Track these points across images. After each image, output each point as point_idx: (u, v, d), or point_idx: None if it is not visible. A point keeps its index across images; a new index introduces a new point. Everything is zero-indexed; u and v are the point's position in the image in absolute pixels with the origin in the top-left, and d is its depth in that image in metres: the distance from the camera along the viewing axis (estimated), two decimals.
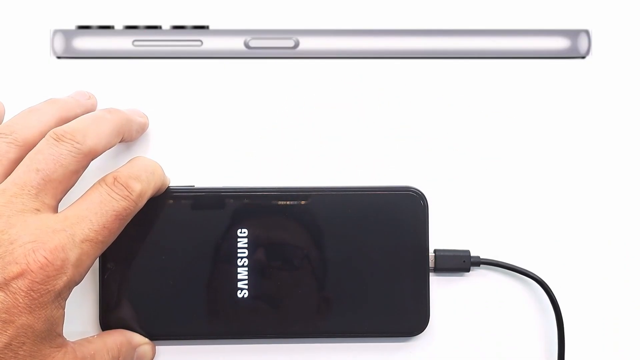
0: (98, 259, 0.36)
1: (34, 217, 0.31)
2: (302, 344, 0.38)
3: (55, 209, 0.32)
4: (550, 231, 0.39)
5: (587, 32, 0.40)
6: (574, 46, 0.40)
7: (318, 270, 0.37)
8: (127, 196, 0.33)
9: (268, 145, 0.39)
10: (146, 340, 0.37)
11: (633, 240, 0.39)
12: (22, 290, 0.29)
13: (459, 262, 0.38)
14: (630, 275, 0.39)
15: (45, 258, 0.30)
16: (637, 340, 0.39)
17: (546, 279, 0.38)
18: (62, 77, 0.39)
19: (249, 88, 0.40)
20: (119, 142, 0.35)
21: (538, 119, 0.40)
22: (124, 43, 0.40)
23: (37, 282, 0.29)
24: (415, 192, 0.37)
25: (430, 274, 0.38)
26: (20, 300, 0.29)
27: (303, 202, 0.37)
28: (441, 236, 0.39)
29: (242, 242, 0.37)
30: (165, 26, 0.40)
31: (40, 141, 0.33)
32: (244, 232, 0.37)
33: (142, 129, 0.38)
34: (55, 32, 0.40)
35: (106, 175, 0.33)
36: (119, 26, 0.40)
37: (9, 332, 0.29)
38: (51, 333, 0.31)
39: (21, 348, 0.29)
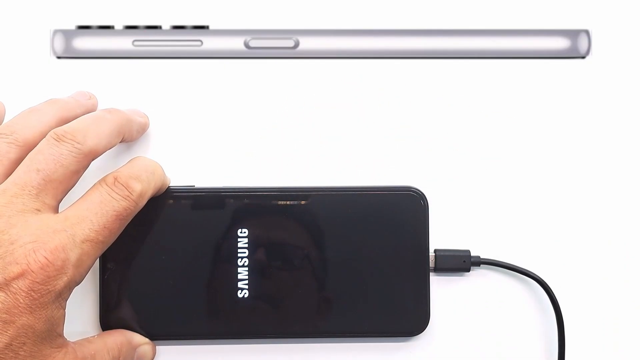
0: (98, 259, 0.36)
1: (34, 217, 0.31)
2: (302, 344, 0.38)
3: (55, 209, 0.32)
4: (550, 231, 0.39)
5: (587, 32, 0.40)
6: (574, 46, 0.40)
7: (318, 270, 0.37)
8: (128, 196, 0.33)
9: (268, 145, 0.39)
10: (146, 340, 0.37)
11: (633, 240, 0.39)
12: (23, 290, 0.29)
13: (459, 262, 0.38)
14: (630, 275, 0.39)
15: (46, 258, 0.30)
16: (637, 340, 0.39)
17: (546, 279, 0.38)
18: (62, 77, 0.39)
19: (249, 88, 0.40)
20: (120, 142, 0.35)
21: (538, 119, 0.40)
22: (124, 43, 0.40)
23: (38, 283, 0.29)
24: (416, 192, 0.37)
25: (431, 274, 0.38)
26: (21, 301, 0.29)
27: (303, 202, 0.37)
28: (441, 236, 0.39)
29: (243, 242, 0.37)
30: (165, 26, 0.40)
31: (41, 141, 0.32)
32: (244, 232, 0.37)
33: (142, 129, 0.38)
34: (55, 32, 0.40)
35: (106, 175, 0.33)
36: (119, 26, 0.40)
37: (9, 332, 0.29)
38: (52, 333, 0.31)
39: (22, 348, 0.29)
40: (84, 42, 0.40)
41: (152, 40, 0.40)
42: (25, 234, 0.30)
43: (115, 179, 0.33)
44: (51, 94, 0.37)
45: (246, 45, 0.40)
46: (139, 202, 0.33)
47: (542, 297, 0.38)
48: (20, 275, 0.29)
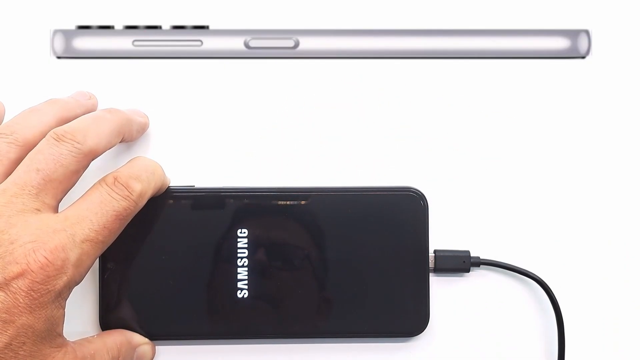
0: (98, 259, 0.36)
1: (34, 217, 0.31)
2: (302, 344, 0.38)
3: (55, 209, 0.32)
4: (550, 231, 0.39)
5: (587, 32, 0.40)
6: (574, 46, 0.40)
7: (318, 270, 0.37)
8: (128, 196, 0.33)
9: (268, 145, 0.39)
10: (146, 340, 0.37)
11: (633, 240, 0.39)
12: (23, 290, 0.29)
13: (459, 263, 0.38)
14: (630, 275, 0.39)
15: (46, 258, 0.30)
16: (637, 340, 0.39)
17: (546, 279, 0.38)
18: (62, 77, 0.39)
19: (249, 88, 0.40)
20: (120, 142, 0.35)
21: (538, 119, 0.40)
22: (124, 43, 0.40)
23: (38, 282, 0.29)
24: (416, 193, 0.37)
25: (430, 274, 0.38)
26: (21, 300, 0.29)
27: (303, 202, 0.37)
28: (441, 236, 0.39)
29: (242, 242, 0.37)
30: (165, 26, 0.40)
31: (41, 141, 0.32)
32: (244, 232, 0.37)
33: (142, 129, 0.38)
34: (55, 32, 0.40)
35: (106, 175, 0.33)
36: (119, 26, 0.40)
37: (9, 332, 0.29)
38: (51, 333, 0.31)
39: (21, 348, 0.29)
40: (84, 42, 0.40)
41: (152, 40, 0.40)
42: (25, 233, 0.30)
43: (115, 178, 0.33)
44: (51, 94, 0.37)
45: (246, 45, 0.40)
46: (139, 202, 0.33)
47: (542, 297, 0.38)
48: (20, 275, 0.29)
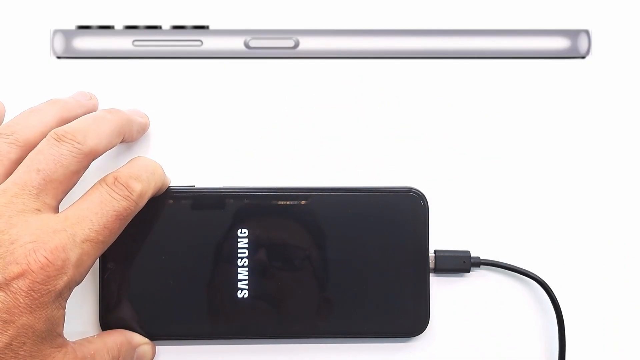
0: (98, 259, 0.36)
1: (34, 217, 0.31)
2: (302, 344, 0.38)
3: (56, 209, 0.32)
4: (550, 231, 0.39)
5: (587, 32, 0.40)
6: (574, 46, 0.40)
7: (318, 270, 0.37)
8: (128, 196, 0.33)
9: (268, 145, 0.39)
10: (146, 340, 0.37)
11: (633, 240, 0.39)
12: (23, 290, 0.29)
13: (459, 263, 0.38)
14: (630, 275, 0.39)
15: (46, 258, 0.30)
16: (637, 340, 0.39)
17: (546, 279, 0.38)
18: (62, 77, 0.39)
19: (249, 88, 0.40)
20: (120, 142, 0.35)
21: (538, 119, 0.40)
22: (124, 43, 0.40)
23: (38, 282, 0.29)
24: (416, 193, 0.37)
25: (431, 274, 0.38)
26: (21, 301, 0.29)
27: (303, 202, 0.37)
28: (441, 237, 0.39)
29: (242, 242, 0.37)
30: (165, 26, 0.40)
31: (41, 141, 0.32)
32: (244, 232, 0.37)
33: (142, 130, 0.38)
34: (55, 32, 0.40)
35: (106, 175, 0.33)
36: (119, 26, 0.40)
37: (9, 332, 0.29)
38: (51, 333, 0.31)
39: (22, 348, 0.29)
40: (84, 42, 0.40)
41: (152, 40, 0.40)
42: (25, 233, 0.30)
43: (116, 178, 0.33)
44: (51, 94, 0.37)
45: (246, 45, 0.40)
46: (139, 202, 0.33)
47: (542, 297, 0.38)
48: (21, 275, 0.29)
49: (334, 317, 0.37)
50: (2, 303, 0.29)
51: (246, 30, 0.40)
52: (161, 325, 0.37)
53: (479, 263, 0.38)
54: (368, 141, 0.40)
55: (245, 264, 0.37)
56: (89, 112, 0.36)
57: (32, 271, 0.29)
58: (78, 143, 0.32)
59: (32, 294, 0.29)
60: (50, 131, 0.33)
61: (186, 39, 0.40)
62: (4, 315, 0.29)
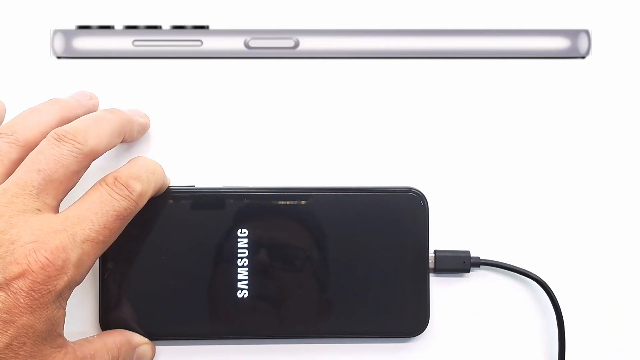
0: (98, 259, 0.36)
1: (35, 217, 0.31)
2: (302, 344, 0.38)
3: (56, 209, 0.32)
4: (550, 231, 0.39)
5: (587, 32, 0.40)
6: (574, 46, 0.40)
7: (318, 270, 0.37)
8: (128, 196, 0.33)
9: (268, 145, 0.39)
10: (146, 340, 0.37)
11: (633, 240, 0.39)
12: (23, 290, 0.29)
13: (459, 263, 0.38)
14: (630, 275, 0.39)
15: (46, 258, 0.30)
16: (637, 340, 0.39)
17: (546, 279, 0.38)
18: (62, 77, 0.39)
19: (249, 88, 0.40)
20: (120, 142, 0.35)
21: (538, 119, 0.40)
22: (124, 43, 0.40)
23: (38, 282, 0.29)
24: (416, 193, 0.37)
25: (431, 274, 0.38)
26: (21, 301, 0.29)
27: (303, 203, 0.37)
28: (441, 237, 0.39)
29: (242, 242, 0.37)
30: (165, 26, 0.40)
31: (42, 141, 0.32)
32: (244, 232, 0.37)
33: (143, 130, 0.38)
34: (55, 32, 0.40)
35: (107, 175, 0.33)
36: (119, 26, 0.40)
37: (9, 332, 0.29)
38: (52, 333, 0.31)
39: (22, 348, 0.29)
40: (84, 42, 0.40)
41: (152, 40, 0.40)
42: (25, 233, 0.30)
43: (116, 178, 0.33)
44: (51, 94, 0.37)
45: (246, 45, 0.40)
46: (139, 202, 0.33)
47: (542, 297, 0.38)
48: (21, 275, 0.29)
49: (333, 317, 0.37)
50: (3, 303, 0.29)
51: (246, 30, 0.40)
52: (161, 325, 0.37)
53: (478, 263, 0.38)
54: (368, 141, 0.40)
55: (245, 264, 0.37)
56: (90, 112, 0.36)
57: (33, 271, 0.29)
58: (78, 143, 0.32)
59: (33, 294, 0.29)
60: (50, 131, 0.33)
61: (186, 39, 0.40)
62: (5, 316, 0.29)
